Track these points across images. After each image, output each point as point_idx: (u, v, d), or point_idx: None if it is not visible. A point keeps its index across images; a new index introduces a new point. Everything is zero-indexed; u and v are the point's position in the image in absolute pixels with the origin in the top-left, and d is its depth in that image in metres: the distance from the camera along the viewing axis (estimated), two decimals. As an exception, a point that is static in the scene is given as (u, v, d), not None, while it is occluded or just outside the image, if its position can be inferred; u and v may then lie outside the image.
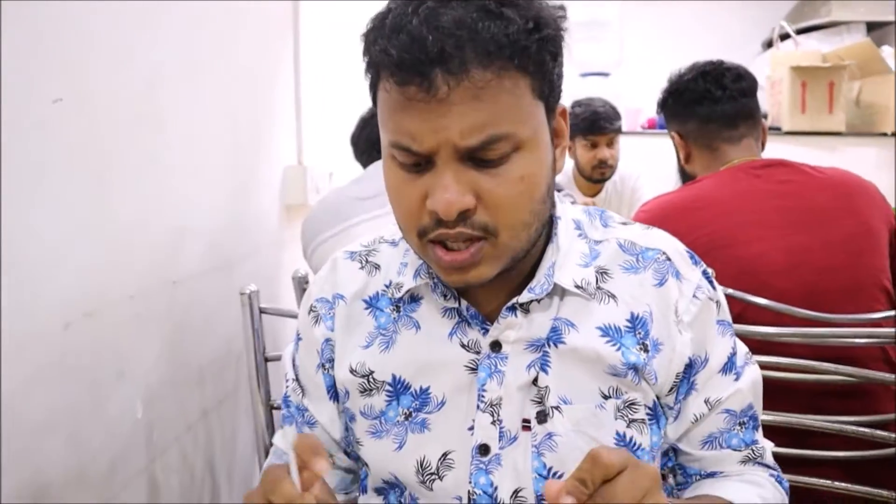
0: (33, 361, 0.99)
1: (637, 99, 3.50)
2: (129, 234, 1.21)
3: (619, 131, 2.66)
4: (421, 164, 0.76)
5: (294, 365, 0.99)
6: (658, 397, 0.87)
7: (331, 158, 2.36)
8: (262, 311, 1.34)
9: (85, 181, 1.10)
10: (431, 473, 0.87)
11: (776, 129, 3.11)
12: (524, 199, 0.77)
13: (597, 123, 2.58)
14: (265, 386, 1.34)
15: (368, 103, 1.80)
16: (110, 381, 1.17)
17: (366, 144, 1.84)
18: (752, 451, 0.92)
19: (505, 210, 0.76)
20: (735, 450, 0.91)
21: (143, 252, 1.27)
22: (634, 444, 0.85)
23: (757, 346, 1.07)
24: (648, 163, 2.82)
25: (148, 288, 1.28)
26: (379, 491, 0.94)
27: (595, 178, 2.68)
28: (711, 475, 0.92)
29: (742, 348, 0.93)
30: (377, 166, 1.71)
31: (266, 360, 1.34)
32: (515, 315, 0.85)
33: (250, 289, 1.33)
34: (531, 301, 0.85)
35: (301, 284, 1.45)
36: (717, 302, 0.90)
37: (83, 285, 1.10)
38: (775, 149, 1.60)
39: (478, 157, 0.75)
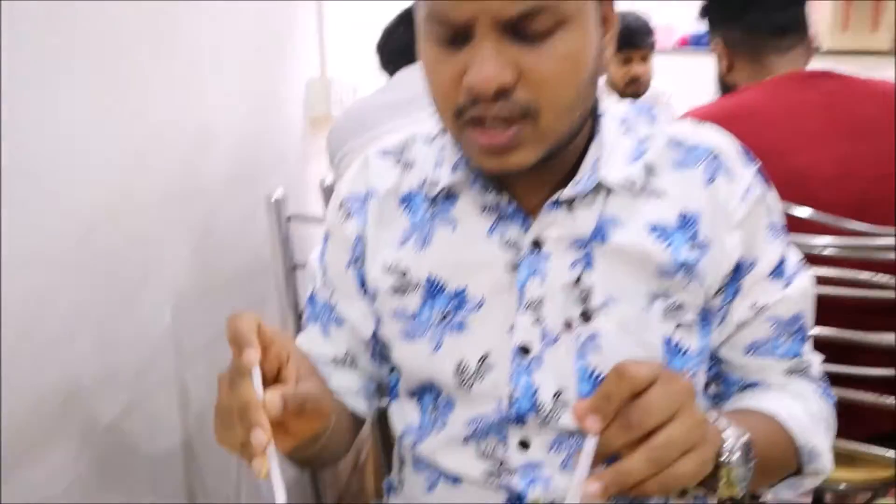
0: (56, 261, 0.97)
1: (669, 16, 3.37)
2: (149, 140, 1.18)
3: (652, 47, 2.59)
4: (458, 38, 0.71)
5: (322, 264, 0.95)
6: (705, 300, 0.83)
7: (356, 71, 2.30)
8: (289, 218, 1.31)
9: (106, 83, 1.06)
10: (470, 375, 0.84)
11: (815, 48, 2.99)
12: (568, 78, 0.73)
13: (631, 38, 2.50)
14: (293, 295, 1.31)
15: (393, 13, 1.74)
16: (136, 286, 1.15)
17: (392, 53, 1.78)
18: (798, 362, 0.88)
19: (547, 88, 0.72)
20: (780, 359, 0.87)
21: (165, 158, 1.23)
22: (682, 348, 0.82)
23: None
24: (681, 83, 2.74)
25: (171, 194, 1.25)
26: (413, 394, 0.92)
27: (628, 94, 2.61)
28: (753, 385, 0.89)
29: (795, 256, 0.89)
30: (404, 73, 1.66)
31: (294, 268, 1.31)
32: (558, 211, 0.81)
33: (277, 195, 1.30)
34: (575, 197, 0.81)
35: (329, 193, 1.41)
36: (770, 204, 0.86)
37: (105, 188, 1.07)
38: (815, 68, 1.52)
39: (519, 31, 0.70)
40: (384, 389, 0.97)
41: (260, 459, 0.60)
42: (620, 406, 0.59)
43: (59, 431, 0.99)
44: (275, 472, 0.62)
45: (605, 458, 0.61)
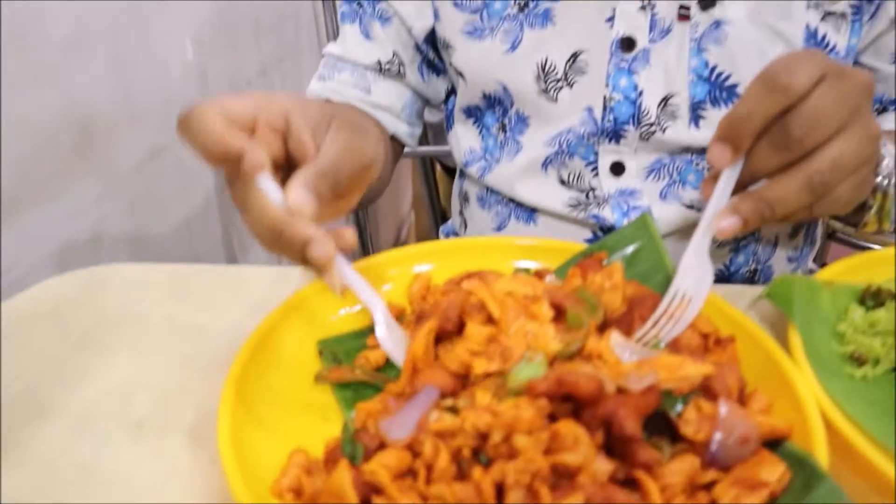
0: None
1: None
2: None
3: None
4: None
5: None
6: None
7: None
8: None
9: None
10: (557, 80, 0.68)
11: None
12: None
13: None
14: (333, 26, 1.13)
15: None
16: (150, 9, 0.99)
17: None
18: None
19: None
20: None
21: None
22: (828, 43, 0.65)
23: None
24: None
25: None
26: (471, 112, 0.77)
27: None
28: None
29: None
30: None
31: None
32: None
33: None
34: None
35: None
36: None
37: None
38: None
39: None
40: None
41: (329, 274, 0.46)
42: (765, 127, 0.43)
43: (75, 167, 0.87)
44: (353, 279, 0.50)
45: (747, 185, 0.47)
